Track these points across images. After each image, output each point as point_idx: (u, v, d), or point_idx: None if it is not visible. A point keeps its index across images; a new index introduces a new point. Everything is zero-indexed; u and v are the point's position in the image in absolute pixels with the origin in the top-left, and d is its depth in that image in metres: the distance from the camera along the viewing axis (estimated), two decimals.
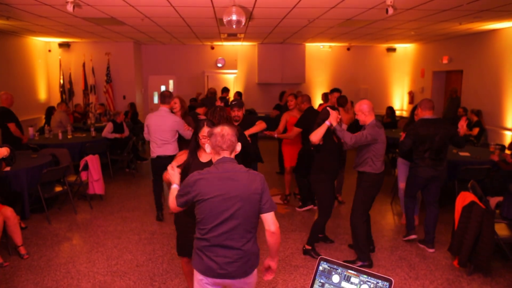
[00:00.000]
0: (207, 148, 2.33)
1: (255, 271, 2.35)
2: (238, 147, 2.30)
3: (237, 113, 4.76)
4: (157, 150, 5.09)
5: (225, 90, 9.21)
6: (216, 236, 2.19)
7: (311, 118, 5.17)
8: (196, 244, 2.29)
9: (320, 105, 7.79)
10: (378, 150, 3.95)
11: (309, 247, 4.34)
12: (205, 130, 2.87)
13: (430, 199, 4.51)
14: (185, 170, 2.81)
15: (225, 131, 2.23)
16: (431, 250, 4.46)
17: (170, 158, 4.98)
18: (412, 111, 5.13)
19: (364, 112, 3.97)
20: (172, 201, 2.34)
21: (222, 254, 2.20)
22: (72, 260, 4.22)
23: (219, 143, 2.22)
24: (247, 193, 2.18)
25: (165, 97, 5.12)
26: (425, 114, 4.43)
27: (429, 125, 4.33)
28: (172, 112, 5.23)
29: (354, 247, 4.23)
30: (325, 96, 10.09)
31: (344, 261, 2.45)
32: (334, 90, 6.65)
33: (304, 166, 5.03)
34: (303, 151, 5.27)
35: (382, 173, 4.03)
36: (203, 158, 2.92)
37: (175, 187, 2.44)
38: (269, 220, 2.23)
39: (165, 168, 5.25)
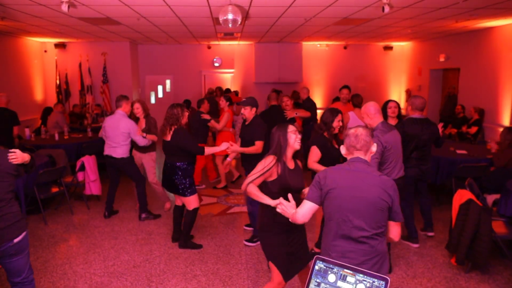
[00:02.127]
0: (342, 149, 2.37)
1: None
2: (374, 147, 2.34)
3: (243, 112, 4.56)
4: (107, 149, 5.21)
5: (228, 91, 9.44)
6: (343, 234, 2.20)
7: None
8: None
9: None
10: (388, 157, 3.70)
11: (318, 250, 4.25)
12: (291, 126, 2.84)
13: (419, 195, 4.68)
14: (281, 181, 2.76)
15: (359, 131, 2.31)
16: (431, 234, 4.71)
17: (115, 160, 5.17)
18: (385, 105, 4.96)
19: (369, 115, 3.76)
20: (300, 213, 2.31)
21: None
22: (69, 261, 4.20)
23: (353, 143, 2.29)
24: (372, 196, 2.15)
25: (119, 100, 5.18)
26: (414, 113, 4.43)
27: (417, 124, 4.34)
28: (136, 116, 5.37)
29: None
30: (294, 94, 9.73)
31: None
32: (343, 87, 6.56)
33: None
34: None
35: (401, 178, 3.85)
36: (290, 164, 2.85)
37: (293, 212, 2.38)
38: (394, 230, 2.26)
39: (112, 167, 5.27)
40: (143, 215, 5.37)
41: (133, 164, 5.35)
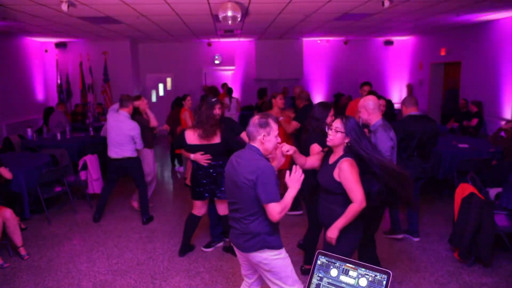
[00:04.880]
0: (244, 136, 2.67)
1: (262, 251, 2.47)
2: (260, 136, 2.47)
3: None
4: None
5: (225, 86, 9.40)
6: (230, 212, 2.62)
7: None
8: None
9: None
10: (392, 155, 3.55)
11: (309, 267, 3.76)
12: (337, 121, 2.66)
13: None
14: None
15: (253, 119, 2.50)
16: (417, 239, 4.56)
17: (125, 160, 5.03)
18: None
19: (368, 110, 3.53)
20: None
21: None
22: (73, 260, 4.22)
23: (250, 131, 2.52)
24: (237, 178, 2.42)
25: (123, 100, 5.02)
26: (410, 110, 4.31)
27: (417, 121, 4.23)
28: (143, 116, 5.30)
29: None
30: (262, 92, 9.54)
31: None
32: (364, 84, 6.23)
33: None
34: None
35: None
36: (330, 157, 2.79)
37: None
38: (269, 210, 2.36)
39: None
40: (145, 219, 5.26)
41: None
